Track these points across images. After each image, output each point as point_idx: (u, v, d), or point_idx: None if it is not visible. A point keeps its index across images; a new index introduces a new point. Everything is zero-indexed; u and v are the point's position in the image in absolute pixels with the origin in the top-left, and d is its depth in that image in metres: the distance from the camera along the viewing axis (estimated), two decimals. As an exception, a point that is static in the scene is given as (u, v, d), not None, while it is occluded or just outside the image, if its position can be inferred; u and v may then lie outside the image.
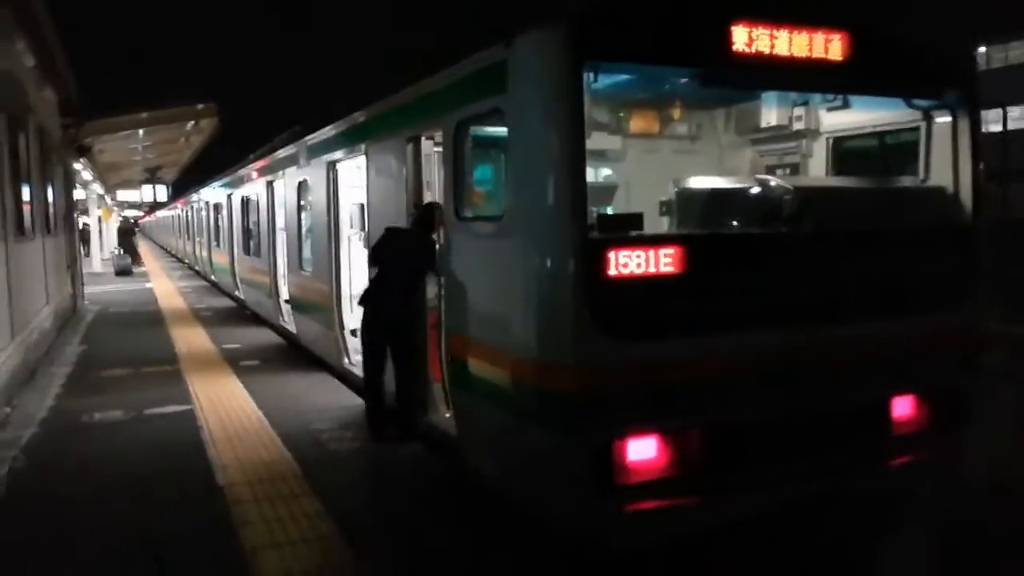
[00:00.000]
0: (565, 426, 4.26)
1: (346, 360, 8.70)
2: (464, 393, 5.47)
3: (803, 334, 4.64)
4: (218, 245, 20.93)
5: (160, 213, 52.93)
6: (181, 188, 33.38)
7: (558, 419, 4.29)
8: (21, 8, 8.87)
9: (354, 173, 8.45)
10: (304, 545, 4.35)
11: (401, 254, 6.27)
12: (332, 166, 8.81)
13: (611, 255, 4.14)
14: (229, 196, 18.12)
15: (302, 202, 10.78)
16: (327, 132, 9.13)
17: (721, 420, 4.46)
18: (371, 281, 6.56)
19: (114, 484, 5.52)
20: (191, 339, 11.95)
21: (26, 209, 9.67)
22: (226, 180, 19.06)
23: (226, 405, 7.66)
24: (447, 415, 6.06)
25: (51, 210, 12.59)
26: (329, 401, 7.87)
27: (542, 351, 4.36)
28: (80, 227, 24.84)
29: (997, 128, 20.23)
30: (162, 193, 30.41)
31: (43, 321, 10.94)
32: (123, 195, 38.43)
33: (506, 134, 4.70)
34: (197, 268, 27.35)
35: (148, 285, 22.33)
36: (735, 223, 4.90)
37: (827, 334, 4.71)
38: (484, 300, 5.10)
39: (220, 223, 20.47)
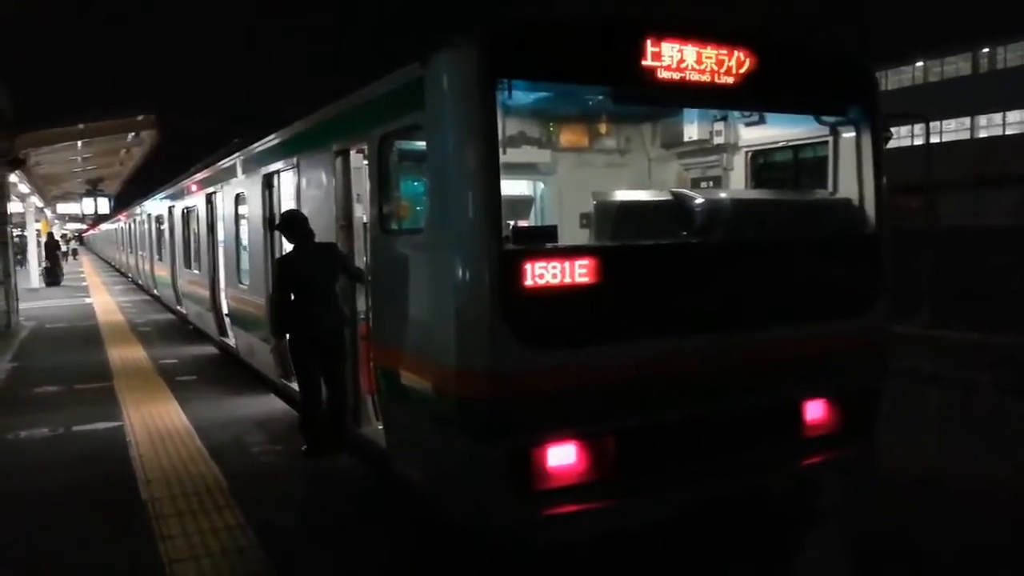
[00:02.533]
0: (482, 433, 4.36)
1: (279, 372, 8.68)
2: (392, 403, 5.54)
3: (714, 341, 4.83)
4: (159, 258, 20.60)
5: (103, 226, 51.72)
6: (122, 201, 32.71)
7: (476, 426, 4.39)
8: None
9: (288, 186, 8.46)
10: (223, 557, 4.37)
11: (320, 266, 6.34)
12: (268, 178, 8.81)
13: (526, 266, 4.26)
14: (170, 209, 17.86)
15: (240, 215, 10.73)
16: (263, 144, 9.13)
17: (634, 425, 4.61)
18: (287, 301, 6.44)
19: (33, 499, 5.44)
20: (128, 355, 11.76)
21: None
22: (166, 193, 18.80)
23: (156, 421, 7.59)
24: (378, 426, 6.13)
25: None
26: (263, 414, 7.85)
27: (461, 359, 4.46)
28: (16, 239, 24.22)
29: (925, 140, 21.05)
30: (103, 206, 29.72)
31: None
32: (63, 208, 37.51)
33: (425, 149, 4.82)
34: (140, 282, 26.83)
35: (88, 300, 21.84)
36: (649, 234, 5.08)
37: (737, 340, 4.90)
38: (408, 311, 5.18)
39: (161, 236, 20.15)
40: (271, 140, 8.73)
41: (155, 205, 20.93)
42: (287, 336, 6.41)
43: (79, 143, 18.82)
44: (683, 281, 4.89)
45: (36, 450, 6.76)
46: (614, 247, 4.76)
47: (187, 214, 15.91)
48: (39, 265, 28.06)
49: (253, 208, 9.50)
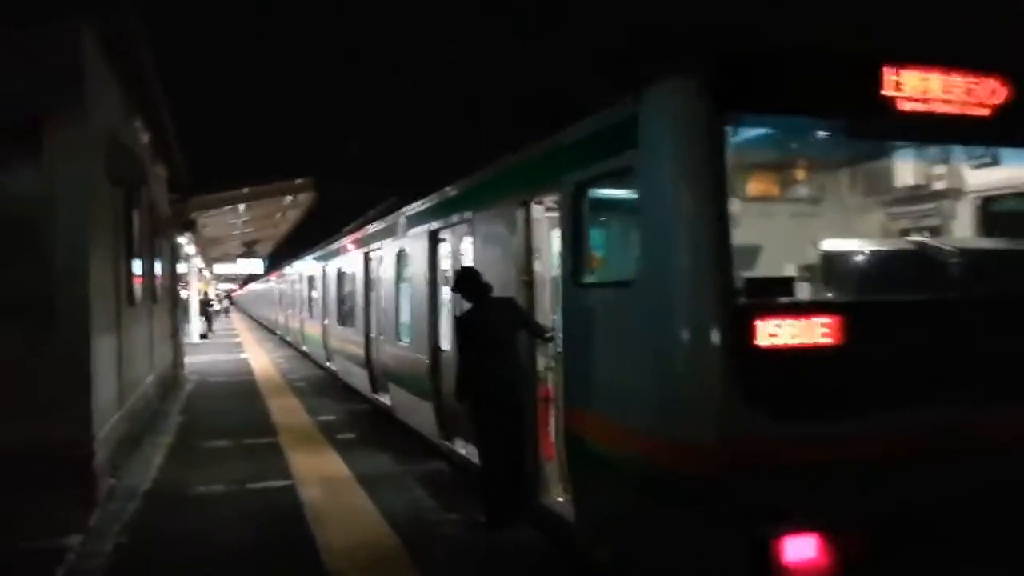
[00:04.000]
0: (703, 515, 3.80)
1: (440, 433, 8.42)
2: (583, 473, 5.06)
3: (981, 409, 4.08)
4: (310, 316, 21.30)
5: (252, 286, 54.96)
6: (275, 261, 34.54)
7: (695, 507, 3.83)
8: (137, 88, 9.34)
9: (452, 242, 8.32)
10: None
11: (500, 322, 6.02)
12: (434, 234, 8.72)
13: (760, 323, 3.73)
14: (323, 268, 18.46)
15: (401, 272, 10.76)
16: (428, 201, 9.09)
17: (890, 510, 3.91)
18: (469, 364, 6.16)
19: (219, 563, 5.29)
20: (287, 410, 11.92)
21: (136, 282, 9.94)
22: (319, 253, 19.49)
23: (325, 479, 7.44)
24: (562, 498, 5.65)
25: (157, 282, 12.99)
26: (428, 475, 7.56)
27: (682, 429, 3.94)
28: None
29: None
30: (257, 266, 31.44)
31: (148, 390, 11.12)
32: (219, 268, 40.11)
33: (632, 194, 4.42)
34: (288, 339, 27.94)
35: (243, 355, 22.83)
36: (893, 289, 4.43)
37: (1009, 410, 4.13)
38: (610, 372, 4.73)
39: (312, 295, 20.87)
40: (439, 197, 8.65)
41: (307, 265, 21.78)
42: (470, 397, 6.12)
43: (241, 206, 19.92)
44: (941, 341, 4.18)
45: (215, 507, 6.72)
46: (862, 302, 4.16)
47: (341, 273, 16.32)
48: (199, 322, 29.88)
49: (416, 265, 9.45)
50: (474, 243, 7.33)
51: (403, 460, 8.30)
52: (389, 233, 11.07)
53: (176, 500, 6.94)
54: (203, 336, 29.68)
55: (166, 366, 14.35)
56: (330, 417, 11.23)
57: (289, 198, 20.67)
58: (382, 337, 11.83)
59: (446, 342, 9.02)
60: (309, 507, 6.51)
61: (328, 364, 18.13)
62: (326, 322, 17.90)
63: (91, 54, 7.06)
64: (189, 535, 5.93)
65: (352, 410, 12.32)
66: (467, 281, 6.34)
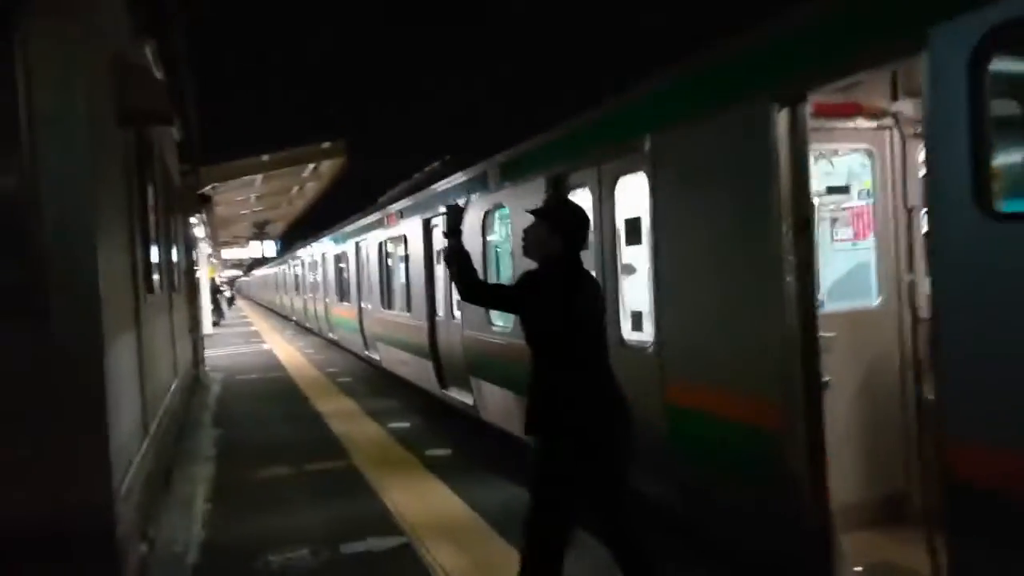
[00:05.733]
0: None
1: None
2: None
3: None
4: (340, 299, 19.05)
5: (259, 271, 52.42)
6: (289, 242, 32.11)
7: None
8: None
9: (597, 190, 5.97)
10: None
11: (597, 312, 3.61)
12: (559, 181, 6.39)
13: None
14: (359, 243, 16.13)
15: (489, 238, 8.45)
16: (551, 135, 6.75)
17: None
18: (545, 375, 3.51)
19: None
20: (345, 416, 9.65)
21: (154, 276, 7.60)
22: (353, 227, 17.15)
23: (451, 531, 5.18)
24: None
25: (176, 269, 10.68)
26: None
27: None
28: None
29: None
30: (270, 249, 29.10)
31: (172, 401, 8.83)
32: (226, 253, 37.66)
33: None
34: (308, 325, 25.70)
35: (265, 346, 20.57)
36: None
37: None
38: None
39: (342, 276, 18.59)
40: (579, 125, 6.28)
41: (334, 244, 19.46)
42: (532, 424, 3.52)
43: (258, 179, 17.55)
44: None
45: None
46: None
47: (385, 248, 14.02)
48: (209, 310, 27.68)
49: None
50: (656, 183, 4.99)
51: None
52: (473, 188, 8.73)
53: (242, 578, 4.70)
54: (214, 325, 27.48)
55: (187, 366, 12.08)
56: (402, 424, 8.96)
57: (310, 168, 18.28)
58: (458, 322, 9.55)
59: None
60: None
61: (367, 352, 15.92)
62: (365, 305, 15.63)
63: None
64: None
65: (422, 410, 10.09)
66: (577, 222, 3.66)
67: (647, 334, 5.48)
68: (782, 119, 3.84)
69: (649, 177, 5.05)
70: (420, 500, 5.92)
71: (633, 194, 5.62)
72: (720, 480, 4.50)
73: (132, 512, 4.93)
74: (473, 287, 3.74)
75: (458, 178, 9.22)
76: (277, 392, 12.23)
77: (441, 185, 9.85)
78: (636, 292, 5.82)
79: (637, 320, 5.82)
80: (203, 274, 28.81)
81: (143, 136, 7.07)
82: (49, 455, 4.26)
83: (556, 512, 3.43)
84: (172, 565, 4.89)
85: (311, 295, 24.60)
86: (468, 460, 7.15)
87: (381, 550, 4.92)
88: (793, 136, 3.83)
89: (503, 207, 7.83)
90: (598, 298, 3.66)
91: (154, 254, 7.51)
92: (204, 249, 27.93)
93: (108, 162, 5.17)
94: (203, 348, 15.04)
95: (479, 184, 8.41)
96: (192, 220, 17.08)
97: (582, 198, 6.20)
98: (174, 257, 10.50)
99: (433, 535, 5.11)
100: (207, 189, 15.04)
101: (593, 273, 4.29)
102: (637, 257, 5.86)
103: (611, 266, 5.77)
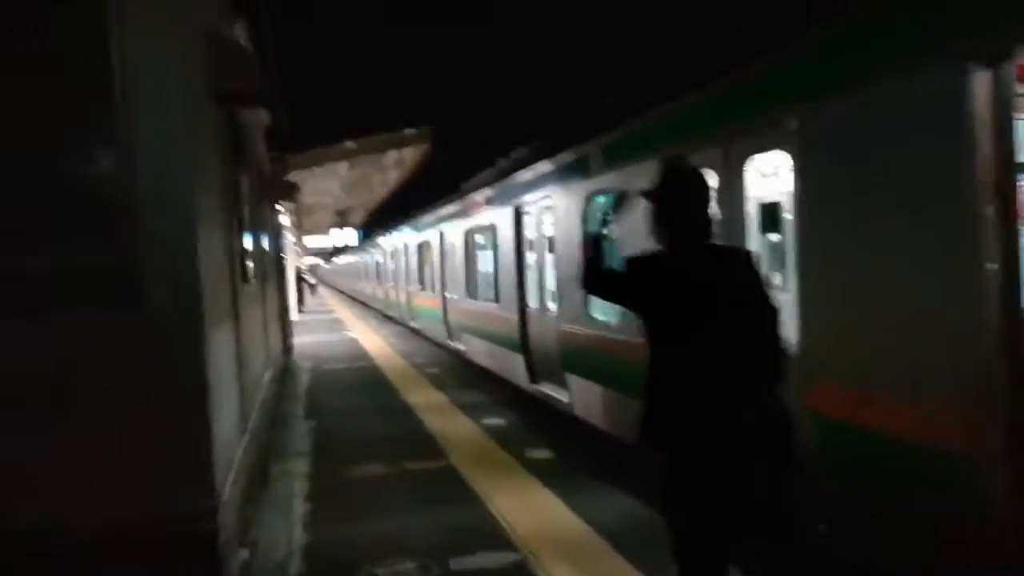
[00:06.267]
0: None
1: None
2: None
3: None
4: (422, 288, 18.90)
5: (340, 259, 53.07)
6: (371, 231, 32.26)
7: None
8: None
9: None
10: None
11: (727, 296, 2.97)
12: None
13: None
14: (442, 232, 15.89)
15: (591, 225, 7.97)
16: (663, 114, 6.22)
17: None
18: (661, 369, 3.00)
19: None
20: (437, 411, 9.33)
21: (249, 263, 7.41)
22: (436, 215, 16.94)
23: (566, 545, 4.75)
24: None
25: (266, 257, 10.57)
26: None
27: None
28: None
29: None
30: (351, 237, 29.25)
31: (266, 391, 8.69)
32: (308, 241, 38.19)
33: None
34: (390, 313, 25.74)
35: (350, 335, 20.60)
36: None
37: None
38: None
39: (425, 264, 18.41)
40: (681, 106, 5.75)
41: (417, 232, 19.31)
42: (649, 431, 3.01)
43: (343, 167, 17.46)
44: None
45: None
46: None
47: (471, 238, 13.70)
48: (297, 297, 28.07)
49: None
50: (805, 163, 4.40)
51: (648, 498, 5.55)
52: (570, 174, 8.25)
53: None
54: (299, 312, 27.86)
55: (278, 355, 12.02)
56: (496, 421, 8.58)
57: (394, 155, 18.10)
58: (553, 314, 9.11)
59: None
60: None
61: (450, 342, 15.69)
62: (451, 295, 15.37)
63: None
64: None
65: (513, 404, 9.70)
66: (684, 188, 3.07)
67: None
68: (982, 82, 3.23)
69: (795, 157, 4.47)
70: (527, 509, 5.50)
71: (769, 176, 5.06)
72: (882, 506, 3.92)
73: (234, 515, 4.68)
74: (602, 276, 3.24)
75: (555, 162, 8.75)
76: (366, 382, 12.05)
77: (542, 167, 9.39)
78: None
79: None
80: (290, 261, 29.30)
81: (236, 118, 6.86)
82: (146, 459, 4.02)
83: (698, 542, 2.94)
84: (275, 574, 4.61)
85: (393, 284, 24.59)
86: (571, 464, 6.71)
87: (494, 567, 4.51)
88: (995, 102, 3.22)
89: (607, 193, 7.34)
90: (739, 278, 3.04)
91: (248, 241, 7.32)
92: (289, 237, 28.36)
93: (204, 144, 4.90)
94: (292, 336, 15.05)
95: (577, 170, 7.93)
96: (280, 208, 17.16)
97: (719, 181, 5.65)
98: (265, 245, 10.39)
99: (548, 551, 4.68)
100: (293, 176, 14.98)
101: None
102: (769, 245, 5.29)
103: None
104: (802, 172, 4.40)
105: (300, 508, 5.80)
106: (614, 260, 3.29)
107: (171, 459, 4.05)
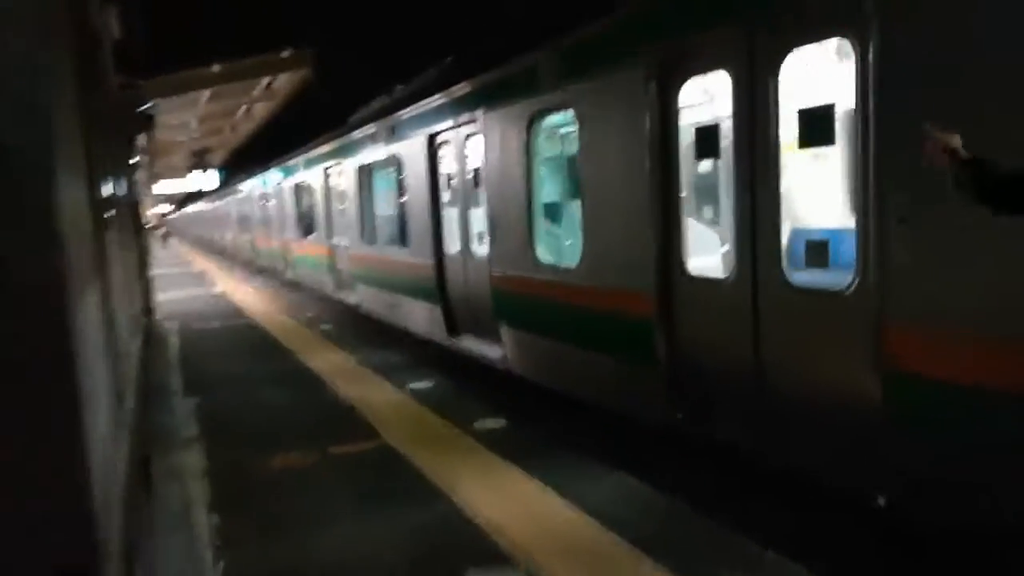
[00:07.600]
0: None
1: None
2: None
3: None
4: (303, 235, 17.12)
5: (195, 206, 48.81)
6: (234, 173, 29.43)
7: None
8: None
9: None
10: None
11: None
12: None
13: None
14: (330, 170, 14.19)
15: (537, 151, 6.81)
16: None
17: None
18: None
19: None
20: (347, 375, 8.02)
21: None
22: (323, 150, 15.13)
23: (585, 557, 3.72)
24: None
25: (122, 202, 8.69)
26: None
27: None
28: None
29: None
30: (211, 180, 26.52)
31: (133, 363, 7.05)
32: (159, 187, 34.56)
33: None
34: (262, 264, 23.59)
35: (217, 289, 18.54)
36: None
37: None
38: None
39: (311, 209, 16.62)
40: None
41: (295, 173, 17.36)
42: None
43: (205, 95, 15.28)
44: None
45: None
46: None
47: (365, 175, 12.19)
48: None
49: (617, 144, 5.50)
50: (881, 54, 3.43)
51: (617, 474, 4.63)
52: (512, 89, 7.00)
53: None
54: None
55: (139, 316, 10.17)
56: (424, 384, 7.39)
57: (263, 85, 16.04)
58: (483, 259, 7.95)
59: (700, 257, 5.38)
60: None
61: (339, 294, 14.22)
62: (340, 241, 13.83)
63: None
64: None
65: (431, 362, 8.57)
66: None
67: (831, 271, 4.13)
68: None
69: (865, 48, 3.51)
70: (503, 499, 4.42)
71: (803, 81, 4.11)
72: (972, 470, 3.22)
73: (120, 550, 3.29)
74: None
75: (483, 80, 7.45)
76: (250, 344, 10.46)
77: (451, 92, 8.06)
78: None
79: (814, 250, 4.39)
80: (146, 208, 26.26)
81: (89, 27, 5.16)
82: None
83: None
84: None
85: (264, 231, 22.45)
86: (530, 433, 5.68)
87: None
88: None
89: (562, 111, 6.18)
90: None
91: (109, 184, 5.67)
92: (142, 180, 25.33)
93: (60, 60, 3.36)
94: (154, 294, 13.07)
95: (518, 87, 6.71)
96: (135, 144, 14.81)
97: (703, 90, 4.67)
98: (122, 188, 8.54)
99: (557, 560, 3.64)
100: (152, 105, 12.79)
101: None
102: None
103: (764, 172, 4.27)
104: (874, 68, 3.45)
105: (204, 524, 4.42)
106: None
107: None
